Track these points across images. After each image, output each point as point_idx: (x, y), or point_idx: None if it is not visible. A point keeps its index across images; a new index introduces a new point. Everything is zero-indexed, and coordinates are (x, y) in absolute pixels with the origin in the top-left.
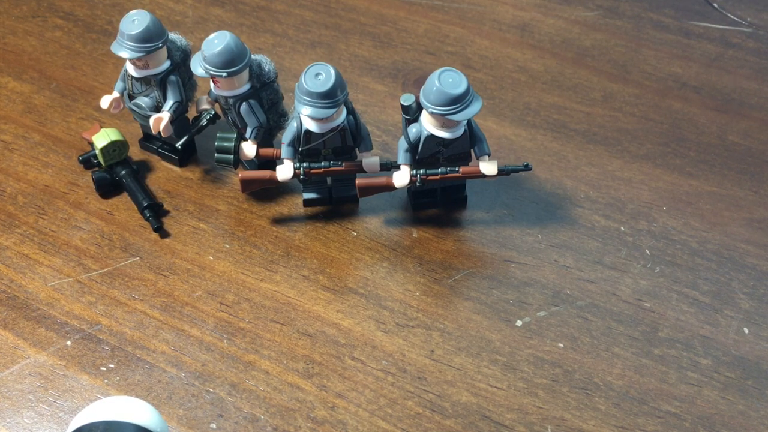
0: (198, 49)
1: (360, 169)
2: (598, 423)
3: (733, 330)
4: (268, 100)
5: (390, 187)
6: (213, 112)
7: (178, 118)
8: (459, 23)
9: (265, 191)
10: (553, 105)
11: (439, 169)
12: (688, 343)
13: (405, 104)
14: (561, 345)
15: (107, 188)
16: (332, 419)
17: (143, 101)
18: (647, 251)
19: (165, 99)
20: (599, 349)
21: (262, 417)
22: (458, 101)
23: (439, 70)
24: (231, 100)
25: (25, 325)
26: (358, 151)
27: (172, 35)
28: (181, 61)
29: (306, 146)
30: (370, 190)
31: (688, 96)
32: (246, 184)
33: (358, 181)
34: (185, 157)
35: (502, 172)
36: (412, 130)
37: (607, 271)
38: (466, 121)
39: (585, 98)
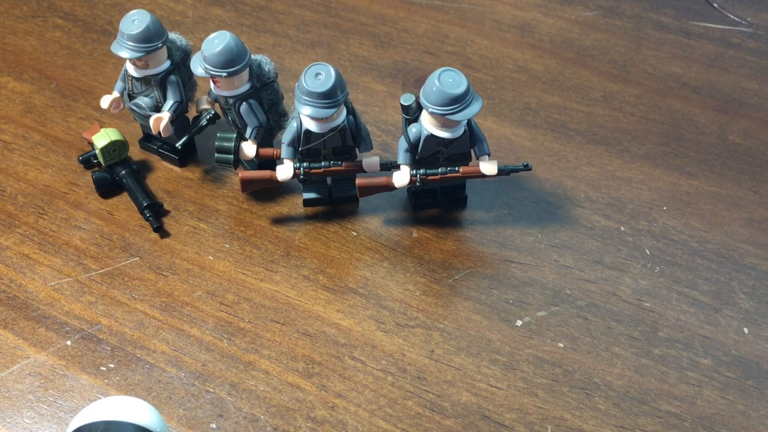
0: (198, 49)
1: (360, 169)
2: (598, 423)
3: (733, 330)
4: (268, 100)
5: (390, 187)
6: (213, 112)
7: (178, 118)
8: (459, 23)
9: (265, 191)
10: (553, 105)
11: (439, 169)
12: (688, 343)
13: (405, 104)
14: (561, 345)
15: (107, 188)
16: (332, 419)
17: (143, 101)
18: (647, 251)
19: (165, 99)
20: (599, 349)
21: (262, 417)
22: (458, 101)
23: (439, 70)
24: (231, 100)
25: (25, 325)
26: (358, 151)
27: (172, 35)
28: (181, 61)
29: (306, 146)
30: (370, 190)
31: (688, 96)
32: (246, 184)
33: (358, 181)
34: (185, 157)
35: (502, 172)
36: (412, 130)
37: (607, 271)
38: (466, 121)
39: (585, 98)
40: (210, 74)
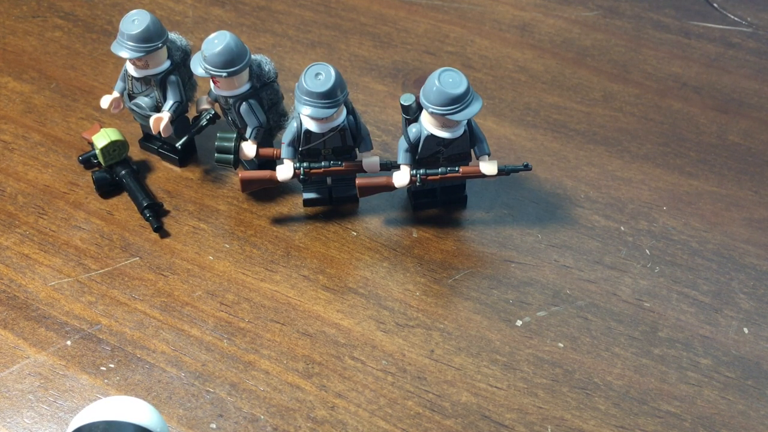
0: (198, 49)
1: (360, 169)
2: (598, 423)
3: (733, 330)
4: (268, 100)
5: (390, 187)
6: (213, 112)
7: (178, 118)
8: (459, 23)
9: (265, 191)
10: (553, 105)
11: (439, 169)
12: (688, 343)
13: (405, 104)
14: (561, 345)
15: (107, 188)
16: (332, 419)
17: (143, 101)
18: (647, 251)
19: (165, 99)
20: (599, 349)
21: (262, 417)
22: (458, 101)
23: (439, 70)
24: (231, 100)
25: (25, 325)
26: (358, 151)
27: (172, 35)
28: (181, 61)
29: (306, 146)
30: (370, 190)
31: (688, 96)
32: (246, 184)
33: (358, 181)
34: (185, 157)
35: (502, 171)
36: (412, 130)
37: (607, 271)
38: (466, 121)
39: (585, 98)
40: (210, 74)
